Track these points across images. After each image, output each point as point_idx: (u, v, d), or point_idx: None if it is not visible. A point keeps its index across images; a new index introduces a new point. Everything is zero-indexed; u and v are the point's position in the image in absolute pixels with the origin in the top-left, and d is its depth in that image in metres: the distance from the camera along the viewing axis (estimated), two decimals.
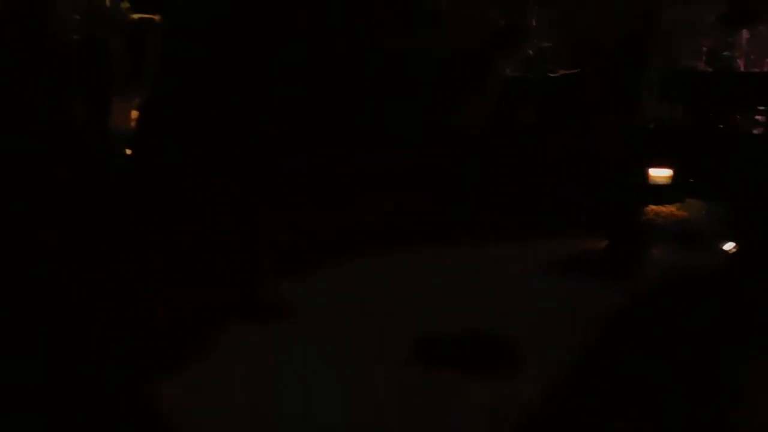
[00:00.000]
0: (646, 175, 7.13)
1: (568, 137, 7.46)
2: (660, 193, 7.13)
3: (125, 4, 8.58)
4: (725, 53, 8.18)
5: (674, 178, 7.22)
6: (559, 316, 4.85)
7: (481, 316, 4.78)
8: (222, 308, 4.77)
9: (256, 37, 6.85)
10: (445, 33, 7.75)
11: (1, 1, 7.51)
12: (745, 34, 8.27)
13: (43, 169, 6.35)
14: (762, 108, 7.86)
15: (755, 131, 7.93)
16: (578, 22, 7.55)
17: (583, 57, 7.43)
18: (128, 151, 7.33)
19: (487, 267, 5.61)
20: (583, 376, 4.24)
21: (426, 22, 7.82)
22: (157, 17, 8.31)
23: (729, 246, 6.24)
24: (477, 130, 7.50)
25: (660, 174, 7.25)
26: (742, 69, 8.29)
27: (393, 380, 4.08)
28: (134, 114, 7.70)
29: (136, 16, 8.47)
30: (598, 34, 7.20)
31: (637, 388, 4.11)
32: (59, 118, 7.39)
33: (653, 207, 7.04)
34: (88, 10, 8.27)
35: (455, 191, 6.99)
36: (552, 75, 7.93)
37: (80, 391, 3.92)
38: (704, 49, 8.22)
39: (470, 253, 5.95)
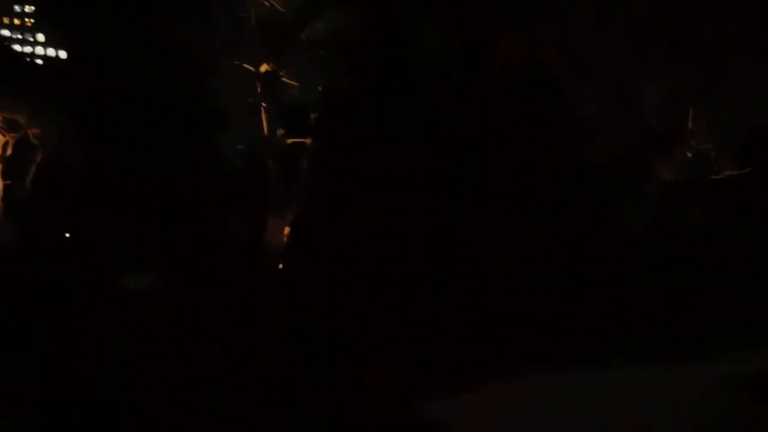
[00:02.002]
0: None
1: (743, 240, 7.00)
2: None
3: (280, 131, 9.15)
4: None
5: None
6: None
7: None
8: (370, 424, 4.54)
9: (403, 157, 7.01)
10: (601, 139, 7.63)
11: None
12: None
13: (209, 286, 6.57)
14: None
15: None
16: (743, 120, 7.23)
17: (755, 157, 7.08)
18: (280, 266, 7.57)
19: (663, 387, 5.06)
20: None
21: (583, 128, 7.74)
22: (308, 141, 8.80)
23: None
24: (641, 233, 7.21)
25: None
26: None
27: None
28: (287, 230, 8.01)
29: (290, 140, 8.98)
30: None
31: None
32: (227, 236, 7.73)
33: None
34: (249, 138, 8.83)
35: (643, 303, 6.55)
36: (715, 177, 7.57)
37: None
38: None
39: (644, 371, 5.44)
